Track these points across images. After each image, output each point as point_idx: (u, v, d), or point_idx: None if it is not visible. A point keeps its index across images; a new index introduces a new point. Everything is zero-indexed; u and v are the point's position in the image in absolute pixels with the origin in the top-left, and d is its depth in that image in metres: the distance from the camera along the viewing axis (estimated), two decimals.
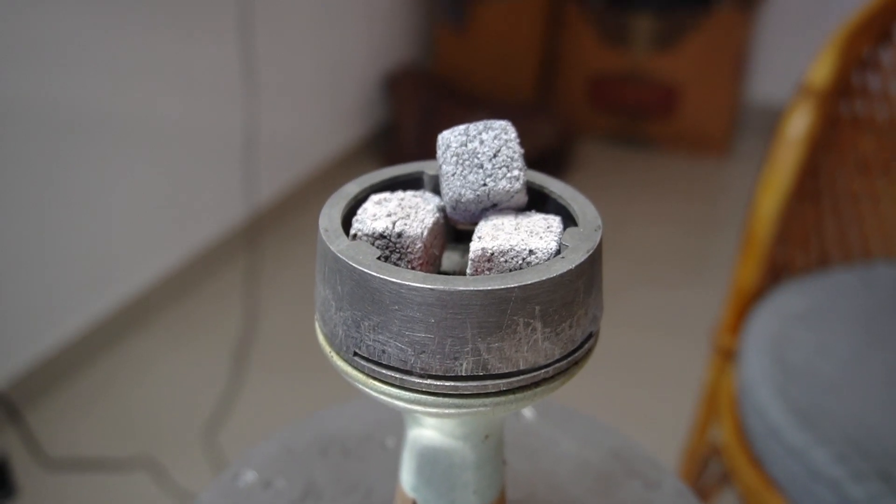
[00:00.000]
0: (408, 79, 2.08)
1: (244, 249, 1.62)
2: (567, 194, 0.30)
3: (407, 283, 0.24)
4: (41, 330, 1.25)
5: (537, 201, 0.31)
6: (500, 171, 0.28)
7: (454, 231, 0.32)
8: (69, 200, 1.25)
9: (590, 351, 0.28)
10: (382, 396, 0.26)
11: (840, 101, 0.88)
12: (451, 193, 0.28)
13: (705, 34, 2.06)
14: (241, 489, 0.44)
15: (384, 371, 0.26)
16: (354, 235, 0.27)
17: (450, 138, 0.28)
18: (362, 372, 0.27)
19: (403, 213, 0.28)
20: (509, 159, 0.28)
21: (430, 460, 0.30)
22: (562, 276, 0.25)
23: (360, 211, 0.28)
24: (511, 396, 0.26)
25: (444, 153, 0.28)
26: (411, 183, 0.32)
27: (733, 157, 2.21)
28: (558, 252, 0.26)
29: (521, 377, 0.26)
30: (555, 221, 0.28)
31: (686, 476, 0.91)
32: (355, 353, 0.26)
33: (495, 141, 0.28)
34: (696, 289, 1.60)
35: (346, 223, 0.28)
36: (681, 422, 1.11)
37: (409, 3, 2.19)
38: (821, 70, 0.82)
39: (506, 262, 0.26)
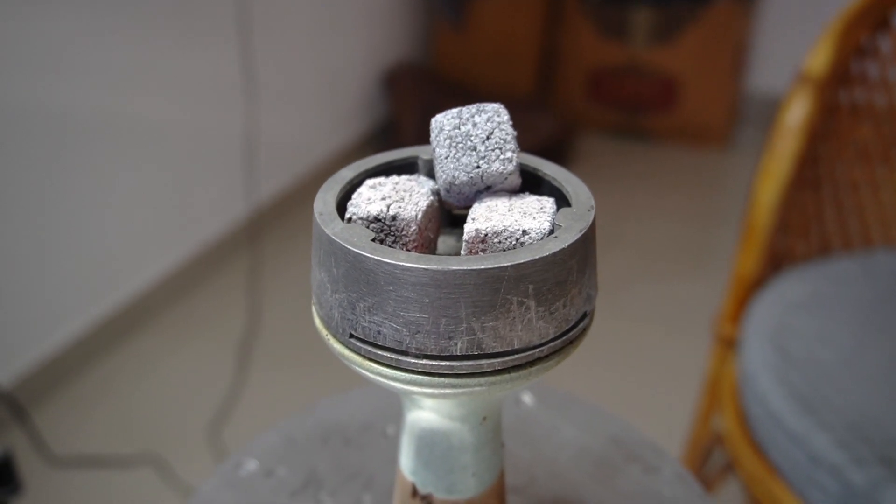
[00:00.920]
0: (407, 76, 2.08)
1: (246, 248, 1.62)
2: (561, 176, 0.30)
3: (401, 263, 0.24)
4: (46, 329, 1.25)
5: (531, 184, 0.31)
6: (493, 154, 0.28)
7: (449, 216, 0.32)
8: (73, 202, 1.26)
9: (585, 330, 0.28)
10: (379, 378, 0.27)
11: (839, 88, 0.88)
12: (444, 176, 0.28)
13: (704, 26, 2.06)
14: (242, 478, 0.44)
15: (380, 352, 0.26)
16: (349, 219, 0.28)
17: (443, 121, 0.28)
18: (359, 354, 0.27)
19: (398, 197, 0.28)
20: (502, 141, 0.28)
21: (429, 443, 0.31)
22: (554, 255, 0.25)
23: (354, 195, 0.29)
24: (506, 376, 0.26)
25: (437, 136, 0.28)
26: (406, 168, 0.32)
27: (733, 149, 2.21)
28: (552, 232, 0.26)
29: (516, 356, 0.26)
30: (548, 202, 0.28)
31: (690, 465, 0.91)
32: (351, 335, 0.26)
33: (488, 123, 0.28)
34: (698, 280, 1.60)
35: (342, 209, 0.29)
36: (684, 412, 1.11)
37: (407, 0, 2.19)
38: (819, 58, 0.82)
39: (499, 242, 0.26)
